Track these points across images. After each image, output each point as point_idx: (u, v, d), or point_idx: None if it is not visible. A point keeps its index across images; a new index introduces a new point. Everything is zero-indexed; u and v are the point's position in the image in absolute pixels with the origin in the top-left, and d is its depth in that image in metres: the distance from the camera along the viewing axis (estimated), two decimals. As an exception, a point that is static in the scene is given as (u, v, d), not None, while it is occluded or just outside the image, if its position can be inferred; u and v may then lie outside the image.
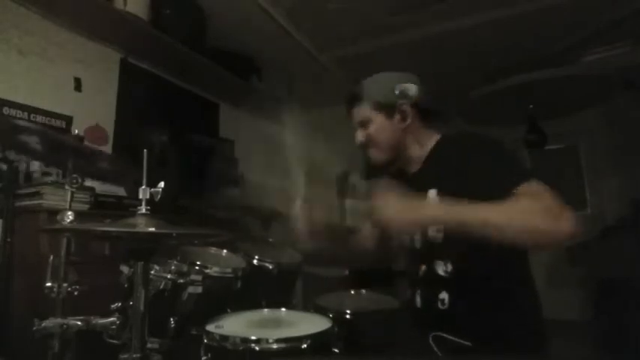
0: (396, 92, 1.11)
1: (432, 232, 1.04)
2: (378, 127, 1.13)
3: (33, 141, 1.05)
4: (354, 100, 1.16)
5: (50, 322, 0.96)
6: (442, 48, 2.94)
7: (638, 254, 2.62)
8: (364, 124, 1.15)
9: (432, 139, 1.14)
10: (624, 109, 3.25)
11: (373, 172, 1.22)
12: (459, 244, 0.94)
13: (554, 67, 2.55)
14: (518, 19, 2.66)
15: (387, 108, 1.12)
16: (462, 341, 0.93)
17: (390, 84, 1.12)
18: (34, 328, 0.94)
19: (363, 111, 1.15)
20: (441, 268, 1.03)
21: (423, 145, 1.14)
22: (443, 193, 1.00)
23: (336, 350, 0.96)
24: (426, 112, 1.15)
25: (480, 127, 2.91)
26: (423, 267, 1.09)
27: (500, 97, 2.73)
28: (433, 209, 0.93)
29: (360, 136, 1.16)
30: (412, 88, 1.11)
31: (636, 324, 2.51)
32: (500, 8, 2.61)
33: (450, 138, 1.12)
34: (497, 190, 0.86)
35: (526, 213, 0.82)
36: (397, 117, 1.12)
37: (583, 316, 3.09)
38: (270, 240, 1.78)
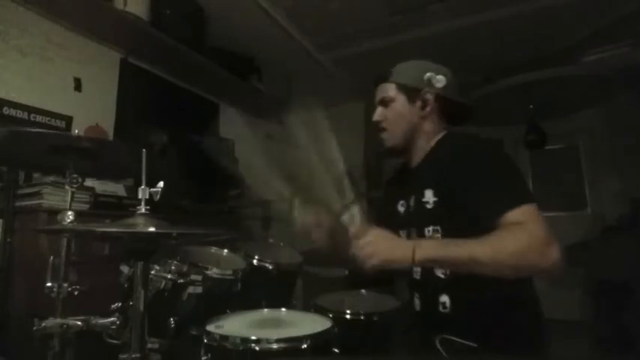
0: (424, 79, 1.10)
1: (428, 233, 1.03)
2: (397, 108, 1.13)
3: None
4: (382, 76, 1.17)
5: (50, 322, 0.96)
6: (442, 48, 2.93)
7: (638, 254, 2.62)
8: (385, 102, 1.15)
9: (438, 134, 1.13)
10: (624, 109, 3.25)
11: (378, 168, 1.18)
12: None
13: (554, 67, 2.54)
14: (518, 19, 2.66)
15: (411, 92, 1.12)
16: (468, 343, 0.92)
17: (421, 70, 1.12)
18: (34, 328, 0.94)
19: (388, 89, 1.15)
20: (440, 270, 1.01)
21: (430, 138, 1.13)
22: (439, 194, 1.00)
23: (336, 350, 0.96)
24: (448, 109, 1.14)
25: (480, 128, 2.90)
26: (420, 270, 1.08)
27: (500, 97, 2.73)
28: (421, 251, 0.87)
29: (377, 113, 1.16)
30: (441, 80, 1.10)
31: (636, 324, 2.51)
32: (500, 8, 2.61)
33: (453, 136, 1.11)
34: (486, 211, 0.86)
35: (510, 248, 0.81)
36: (418, 103, 1.12)
37: (583, 316, 3.09)
38: (270, 240, 1.78)
